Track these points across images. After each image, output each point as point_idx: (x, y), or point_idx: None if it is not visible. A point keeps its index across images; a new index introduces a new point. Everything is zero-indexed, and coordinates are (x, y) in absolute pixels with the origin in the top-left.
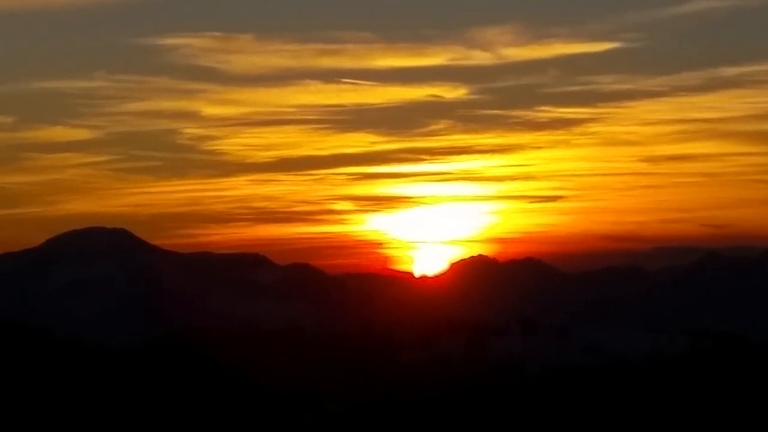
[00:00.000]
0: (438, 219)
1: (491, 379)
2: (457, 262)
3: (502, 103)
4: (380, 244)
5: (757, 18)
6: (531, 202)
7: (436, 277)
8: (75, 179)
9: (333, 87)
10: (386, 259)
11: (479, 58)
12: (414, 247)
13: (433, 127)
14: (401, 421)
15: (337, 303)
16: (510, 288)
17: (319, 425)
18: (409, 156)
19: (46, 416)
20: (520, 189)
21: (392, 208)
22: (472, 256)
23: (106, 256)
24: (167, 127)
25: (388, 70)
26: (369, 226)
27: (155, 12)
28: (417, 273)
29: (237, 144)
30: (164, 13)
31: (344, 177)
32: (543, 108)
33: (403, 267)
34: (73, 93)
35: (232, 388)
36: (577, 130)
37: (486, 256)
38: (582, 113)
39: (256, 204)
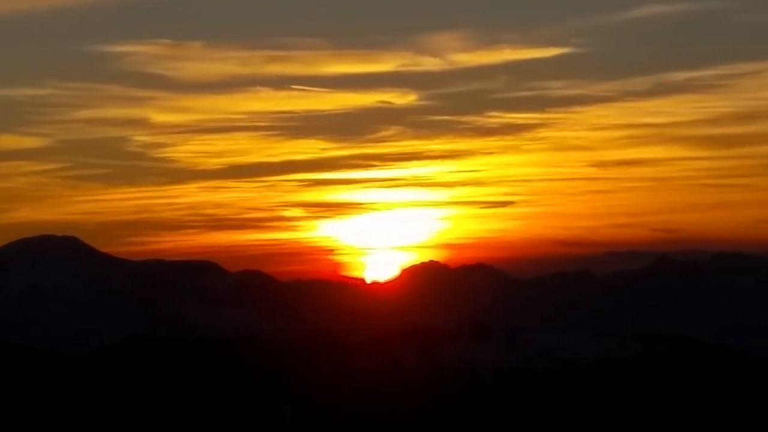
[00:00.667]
0: (389, 225)
1: (444, 383)
2: (409, 267)
3: (452, 108)
4: (332, 250)
5: (705, 23)
6: (482, 208)
7: (388, 283)
8: (25, 187)
9: (283, 94)
10: (338, 265)
11: (429, 64)
12: (365, 253)
13: (383, 133)
14: (355, 427)
15: (289, 309)
16: (462, 293)
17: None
18: (360, 162)
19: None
20: (470, 194)
21: (343, 214)
22: (424, 262)
23: (57, 263)
24: (117, 135)
25: (338, 76)
26: (320, 232)
27: (104, 19)
28: (369, 279)
29: (187, 151)
30: (113, 21)
31: (295, 183)
32: (493, 113)
33: (354, 273)
34: (22, 101)
35: (185, 395)
36: (527, 135)
37: (437, 261)
38: (532, 118)
39: (207, 211)
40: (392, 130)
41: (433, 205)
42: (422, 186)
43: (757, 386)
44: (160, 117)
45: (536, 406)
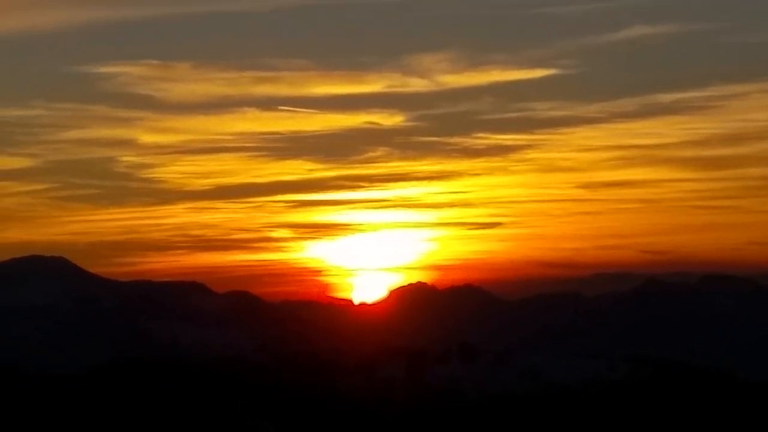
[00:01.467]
0: (377, 246)
1: (431, 405)
2: (397, 289)
3: (440, 130)
4: (319, 271)
5: (693, 44)
6: (469, 229)
7: (376, 304)
8: (12, 208)
9: (270, 114)
10: (325, 286)
11: (416, 85)
12: (353, 274)
13: (370, 154)
14: None
15: (277, 330)
16: (449, 315)
17: None
18: (347, 183)
19: None
20: (458, 216)
21: (331, 235)
22: (411, 283)
23: (45, 284)
24: (105, 155)
25: (325, 97)
26: (308, 253)
27: (92, 40)
28: (356, 300)
29: (174, 172)
30: (101, 42)
31: (282, 204)
32: (480, 135)
33: (342, 294)
34: (10, 121)
35: (171, 416)
36: (515, 156)
37: (425, 283)
38: (519, 140)
39: (194, 232)
40: (379, 151)
41: (420, 227)
42: (409, 207)
43: (744, 408)
44: (147, 137)
45: (524, 428)
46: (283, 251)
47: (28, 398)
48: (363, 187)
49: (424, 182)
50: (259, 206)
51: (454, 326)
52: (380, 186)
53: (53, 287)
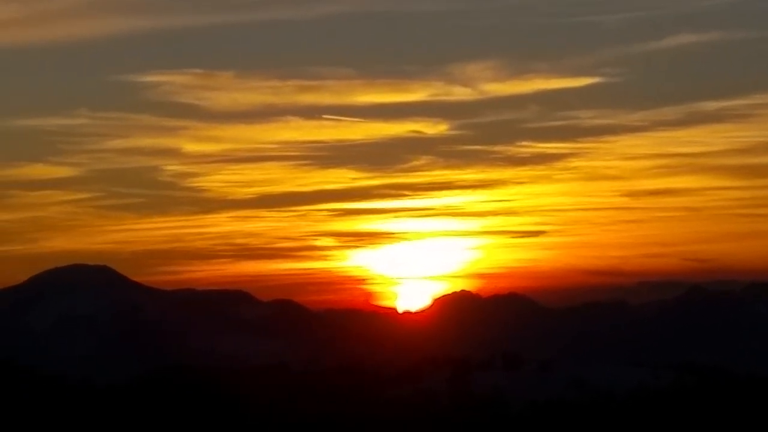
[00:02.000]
0: (420, 254)
1: (475, 414)
2: (440, 297)
3: (483, 138)
4: (363, 279)
5: (737, 52)
6: (513, 237)
7: (420, 313)
8: (57, 216)
9: (314, 123)
10: (369, 294)
11: (460, 93)
12: (397, 282)
13: (414, 163)
14: None
15: (321, 339)
16: (493, 323)
17: None
18: (391, 192)
19: None
20: (502, 224)
21: (374, 243)
22: (455, 292)
23: (89, 293)
24: (149, 164)
25: (369, 106)
26: (351, 261)
27: (136, 49)
28: (400, 309)
29: (218, 180)
30: (145, 51)
31: (326, 213)
32: (524, 143)
33: (386, 303)
34: (54, 130)
35: (218, 426)
36: (559, 165)
37: (469, 291)
38: (563, 148)
39: (238, 240)
40: (423, 160)
41: (464, 235)
42: (453, 215)
43: None
44: (191, 146)
45: None
46: (326, 260)
47: (73, 409)
48: (407, 195)
49: (468, 191)
50: (303, 215)
51: (498, 335)
52: (424, 194)
53: (97, 296)
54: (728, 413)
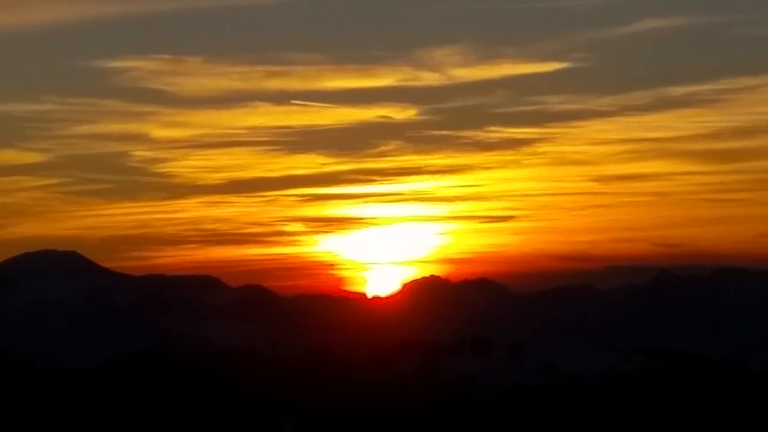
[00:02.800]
0: (390, 240)
1: (445, 398)
2: (410, 282)
3: (452, 123)
4: (332, 265)
5: (705, 37)
6: (482, 223)
7: (389, 298)
8: (26, 202)
9: (282, 108)
10: (339, 280)
11: (428, 78)
12: (366, 268)
13: (383, 148)
14: None
15: (290, 324)
16: (463, 308)
17: None
18: (360, 177)
19: None
20: (471, 209)
21: (344, 229)
22: (425, 277)
23: (59, 279)
24: (117, 150)
25: (338, 91)
26: (321, 247)
27: (104, 35)
28: (370, 294)
29: (187, 166)
30: (113, 36)
31: (295, 198)
32: (492, 128)
33: (355, 288)
34: (22, 116)
35: (186, 411)
36: (527, 150)
37: (438, 276)
38: (531, 133)
39: (207, 226)
40: (392, 145)
41: (433, 220)
42: (422, 201)
43: (757, 399)
44: (159, 132)
45: (538, 422)
46: (296, 245)
47: (43, 393)
48: (376, 180)
49: (437, 176)
50: (272, 200)
51: (468, 319)
52: (393, 180)
53: (66, 282)
54: (697, 397)
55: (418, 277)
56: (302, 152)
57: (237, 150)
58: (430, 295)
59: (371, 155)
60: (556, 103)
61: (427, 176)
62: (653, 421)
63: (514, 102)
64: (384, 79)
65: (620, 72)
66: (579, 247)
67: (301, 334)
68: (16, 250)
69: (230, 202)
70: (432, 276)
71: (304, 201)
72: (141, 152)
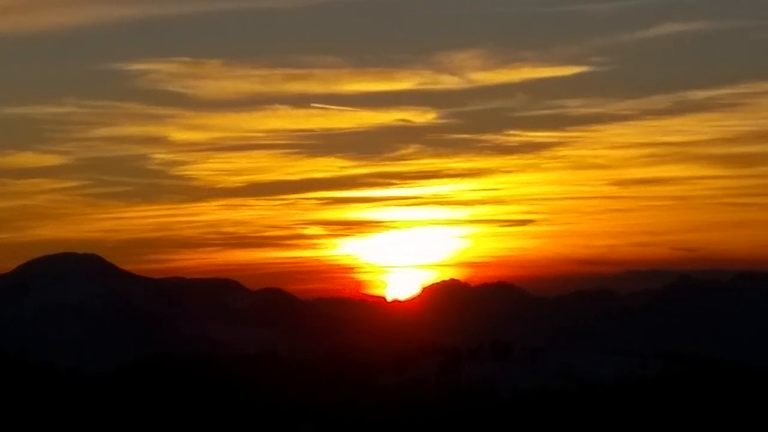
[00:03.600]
0: (409, 243)
1: (464, 402)
2: (430, 286)
3: (471, 127)
4: (352, 268)
5: (725, 41)
6: (502, 226)
7: (409, 302)
8: (45, 205)
9: (302, 112)
10: (358, 283)
11: (448, 82)
12: (386, 271)
13: (402, 152)
14: None
15: (310, 328)
16: (482, 312)
17: None
18: (379, 180)
19: None
20: (490, 213)
21: (363, 232)
22: (444, 280)
23: (79, 281)
24: (137, 153)
25: (357, 94)
26: (340, 250)
27: (124, 37)
28: (389, 297)
29: (206, 169)
30: (133, 39)
31: (314, 201)
32: (512, 132)
33: (375, 291)
34: (42, 118)
35: (206, 414)
36: (547, 153)
37: (458, 280)
38: (551, 137)
39: (226, 229)
40: (411, 148)
41: (452, 224)
42: (442, 204)
43: None
44: (179, 135)
45: (557, 426)
46: (315, 248)
47: (61, 397)
48: (395, 184)
49: (457, 179)
50: (292, 203)
51: (487, 323)
52: (412, 183)
53: (86, 284)
54: (716, 402)
55: (438, 280)
56: (322, 155)
57: (256, 153)
58: (449, 299)
59: (391, 158)
60: (575, 107)
61: (446, 180)
62: (671, 426)
63: (533, 106)
64: (404, 83)
65: (640, 76)
66: (598, 251)
67: (321, 338)
68: (35, 252)
69: (250, 205)
70: (451, 280)
71: (324, 204)
72: (160, 155)
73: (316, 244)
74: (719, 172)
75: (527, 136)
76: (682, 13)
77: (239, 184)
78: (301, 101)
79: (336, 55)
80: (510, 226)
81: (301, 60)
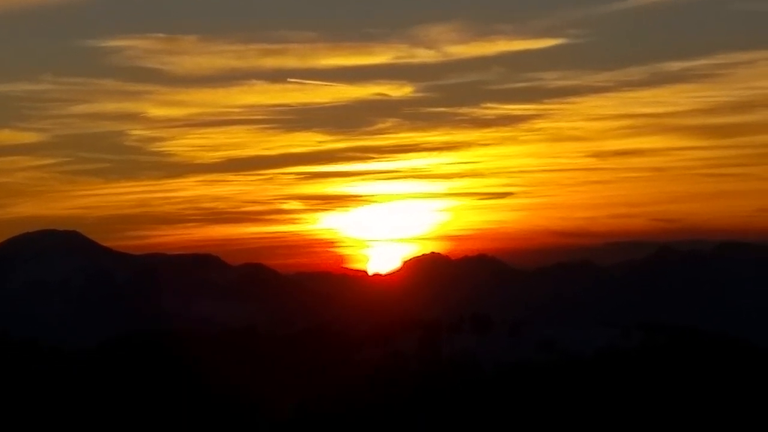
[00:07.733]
0: (390, 217)
1: (446, 375)
2: (411, 259)
3: (448, 100)
4: (332, 242)
5: (700, 13)
6: (481, 199)
7: (390, 275)
8: (24, 182)
9: (279, 87)
10: (339, 257)
11: (424, 56)
12: (367, 245)
13: (380, 126)
14: (358, 419)
15: (291, 302)
16: (463, 285)
17: (275, 424)
18: (358, 154)
19: (3, 418)
20: (469, 186)
21: (343, 206)
22: (425, 254)
23: (60, 258)
24: (114, 129)
25: (334, 69)
26: (321, 225)
27: (99, 14)
28: (370, 271)
29: (184, 145)
30: (108, 15)
31: (293, 176)
32: (489, 105)
33: (356, 265)
34: (19, 96)
35: (188, 388)
36: (524, 126)
37: (439, 253)
38: (528, 110)
39: (205, 204)
40: (389, 122)
41: (432, 197)
42: (420, 178)
43: (758, 375)
44: (156, 111)
45: (539, 398)
46: (295, 223)
47: (44, 372)
48: (373, 158)
49: (435, 153)
50: (270, 179)
51: (468, 296)
52: (391, 157)
53: (67, 261)
54: (698, 372)
55: (419, 254)
56: (299, 130)
57: (234, 128)
58: (430, 272)
59: (368, 133)
60: (552, 79)
61: (424, 153)
62: (654, 396)
63: (510, 78)
64: (380, 57)
65: (616, 48)
66: (578, 223)
67: (302, 312)
68: (15, 230)
69: (228, 181)
70: (432, 253)
71: (302, 179)
72: (138, 131)
73: (296, 219)
74: (697, 143)
75: (504, 109)
76: None
77: (217, 160)
78: (278, 76)
79: (311, 30)
80: (489, 198)
81: (277, 35)
